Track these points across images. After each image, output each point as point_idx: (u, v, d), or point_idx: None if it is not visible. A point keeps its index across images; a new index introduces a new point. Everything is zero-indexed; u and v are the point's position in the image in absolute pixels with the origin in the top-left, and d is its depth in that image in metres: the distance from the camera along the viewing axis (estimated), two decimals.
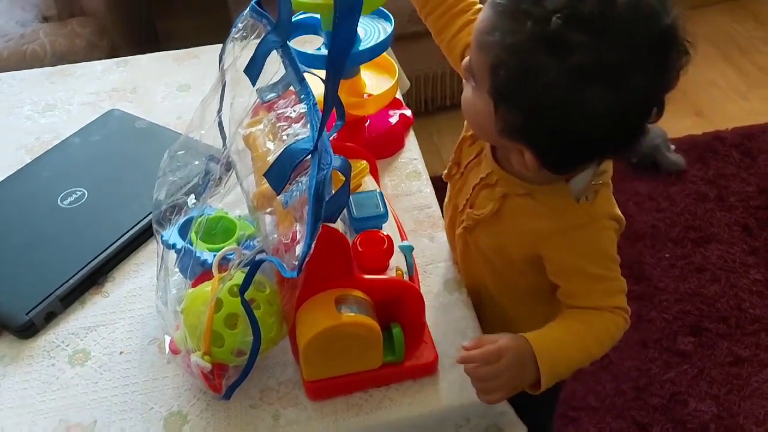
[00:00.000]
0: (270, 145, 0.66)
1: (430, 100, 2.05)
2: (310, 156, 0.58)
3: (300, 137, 0.62)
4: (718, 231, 1.67)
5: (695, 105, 2.11)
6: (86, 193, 0.91)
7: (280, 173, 0.58)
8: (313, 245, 0.53)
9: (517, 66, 0.58)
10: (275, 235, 0.60)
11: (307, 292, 0.65)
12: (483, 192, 0.75)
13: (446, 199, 0.86)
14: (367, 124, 1.05)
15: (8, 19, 1.71)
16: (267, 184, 0.61)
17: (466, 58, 0.67)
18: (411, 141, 1.05)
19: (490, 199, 0.74)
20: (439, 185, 0.92)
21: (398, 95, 1.10)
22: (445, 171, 0.83)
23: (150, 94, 1.16)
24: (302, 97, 0.67)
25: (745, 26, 2.43)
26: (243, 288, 0.60)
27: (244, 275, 0.61)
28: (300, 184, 0.58)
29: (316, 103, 0.65)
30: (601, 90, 0.56)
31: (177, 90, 1.17)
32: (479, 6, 0.77)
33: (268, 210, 0.62)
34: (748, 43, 2.36)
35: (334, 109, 0.66)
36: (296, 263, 0.53)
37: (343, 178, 0.61)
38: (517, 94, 0.59)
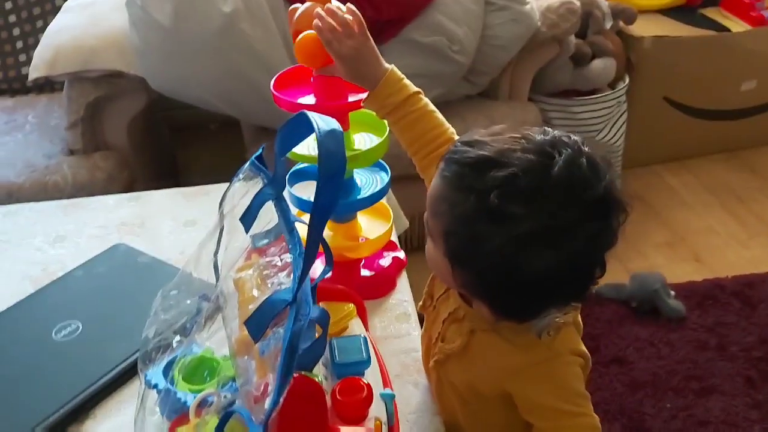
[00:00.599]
0: (255, 292, 0.69)
1: None
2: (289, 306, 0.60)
3: (283, 287, 0.65)
4: (720, 382, 1.63)
5: (695, 251, 2.14)
6: (81, 326, 0.93)
7: (259, 322, 0.60)
8: (281, 400, 0.54)
9: (465, 234, 0.64)
10: (250, 384, 0.61)
11: None
12: (452, 326, 0.78)
13: (422, 330, 0.89)
14: (361, 265, 1.08)
15: (36, 152, 1.83)
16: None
17: (426, 214, 0.72)
18: (402, 283, 1.07)
19: (459, 333, 0.76)
20: None
21: (394, 237, 1.14)
22: (420, 303, 0.87)
23: (157, 228, 1.21)
24: (290, 247, 0.71)
25: (742, 176, 2.52)
26: None
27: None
28: (277, 333, 0.60)
29: (303, 254, 0.68)
30: (542, 253, 0.62)
31: (183, 225, 1.21)
32: None
33: (247, 357, 0.64)
34: (745, 193, 2.43)
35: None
36: (263, 417, 0.54)
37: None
38: (467, 259, 0.65)
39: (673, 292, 1.88)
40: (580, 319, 0.76)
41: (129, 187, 1.81)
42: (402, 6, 1.75)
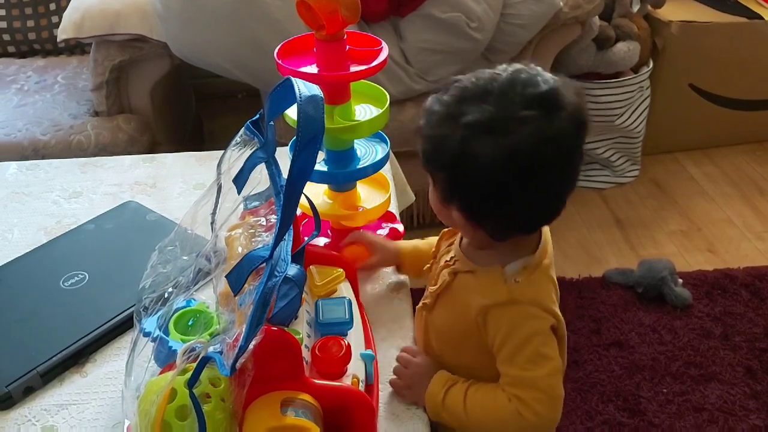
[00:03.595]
0: (240, 249, 0.72)
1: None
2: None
3: (265, 245, 0.69)
4: (720, 370, 1.63)
5: (709, 241, 2.12)
6: (87, 276, 0.99)
7: (238, 276, 0.64)
8: (248, 347, 0.58)
9: (432, 136, 0.74)
10: (229, 334, 0.64)
11: (255, 391, 0.68)
12: (444, 272, 0.84)
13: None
14: None
15: (62, 111, 1.89)
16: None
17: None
18: None
19: (446, 277, 0.82)
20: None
21: (395, 209, 1.17)
22: (427, 266, 0.92)
23: (168, 189, 1.26)
24: (276, 208, 0.74)
25: (766, 168, 2.47)
26: (191, 381, 0.64)
27: None
28: (254, 288, 0.63)
29: (280, 215, 0.71)
30: (488, 140, 0.69)
31: (193, 187, 1.26)
32: None
33: (228, 309, 0.68)
34: (767, 185, 2.39)
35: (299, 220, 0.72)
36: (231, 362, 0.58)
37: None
38: (435, 159, 0.74)
39: (681, 280, 1.87)
40: (554, 275, 0.79)
41: (150, 150, 1.87)
42: None
